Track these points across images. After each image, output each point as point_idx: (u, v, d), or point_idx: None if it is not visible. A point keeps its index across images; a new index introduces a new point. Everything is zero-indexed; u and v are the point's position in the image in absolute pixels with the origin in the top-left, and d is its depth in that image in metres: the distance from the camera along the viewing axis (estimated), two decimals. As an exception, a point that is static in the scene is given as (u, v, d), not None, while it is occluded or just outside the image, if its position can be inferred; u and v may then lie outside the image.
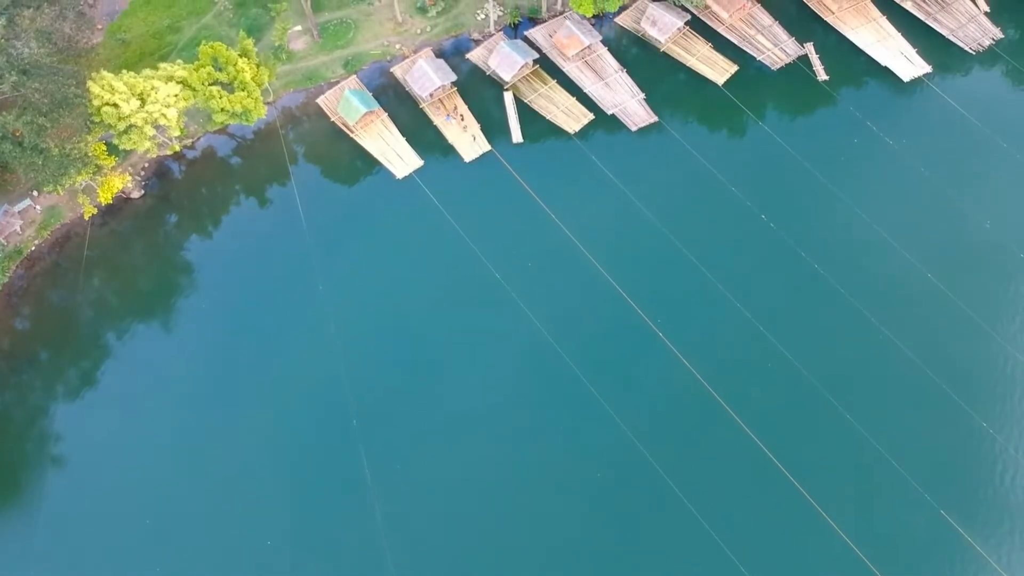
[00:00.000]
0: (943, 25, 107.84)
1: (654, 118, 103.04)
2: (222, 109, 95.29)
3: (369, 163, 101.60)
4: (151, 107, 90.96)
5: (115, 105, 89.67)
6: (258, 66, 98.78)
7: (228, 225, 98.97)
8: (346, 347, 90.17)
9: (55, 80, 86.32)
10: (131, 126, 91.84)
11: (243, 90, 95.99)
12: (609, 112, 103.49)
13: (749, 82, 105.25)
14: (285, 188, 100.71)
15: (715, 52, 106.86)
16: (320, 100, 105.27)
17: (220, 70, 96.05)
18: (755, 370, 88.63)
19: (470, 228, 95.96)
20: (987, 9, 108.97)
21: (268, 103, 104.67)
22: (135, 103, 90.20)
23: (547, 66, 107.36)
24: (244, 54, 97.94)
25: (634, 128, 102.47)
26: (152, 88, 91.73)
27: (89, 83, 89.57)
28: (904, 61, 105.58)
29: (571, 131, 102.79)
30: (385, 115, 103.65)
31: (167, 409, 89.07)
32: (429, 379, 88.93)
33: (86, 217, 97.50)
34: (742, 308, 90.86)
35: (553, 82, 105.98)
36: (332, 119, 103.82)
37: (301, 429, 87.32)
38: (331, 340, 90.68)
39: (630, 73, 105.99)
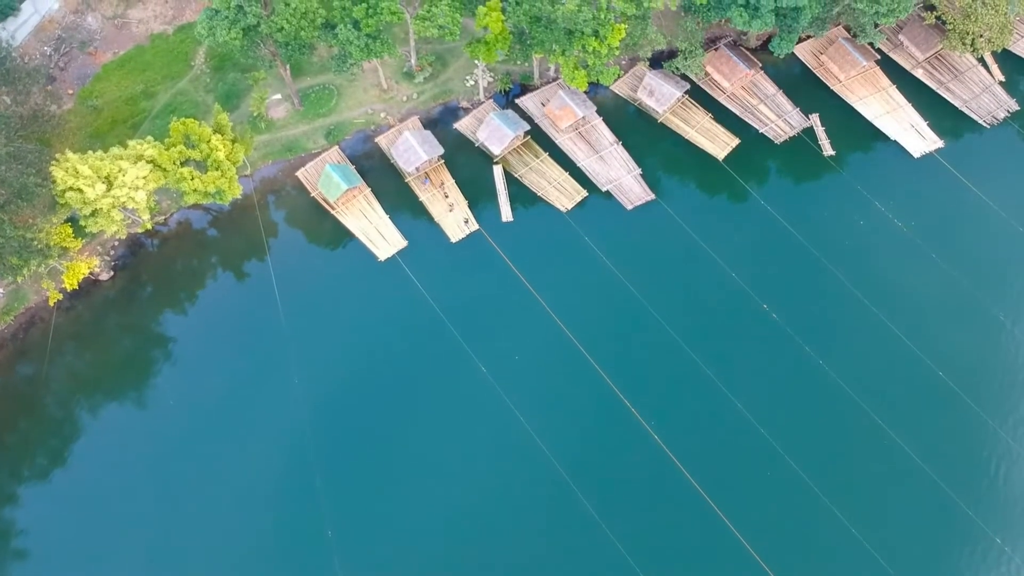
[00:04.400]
0: (956, 96, 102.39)
1: (651, 196, 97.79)
2: (194, 190, 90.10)
3: (350, 243, 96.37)
4: (118, 191, 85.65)
5: (80, 190, 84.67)
6: (233, 142, 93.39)
7: (200, 311, 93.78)
8: (321, 451, 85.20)
9: (14, 168, 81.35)
10: (97, 210, 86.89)
11: (216, 169, 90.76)
12: (604, 189, 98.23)
13: (751, 156, 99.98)
14: (262, 269, 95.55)
15: (715, 124, 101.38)
16: (300, 173, 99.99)
17: (192, 147, 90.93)
18: (753, 475, 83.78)
19: (456, 317, 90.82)
20: (1002, 78, 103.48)
21: (245, 175, 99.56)
22: (101, 187, 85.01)
23: (539, 135, 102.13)
24: (218, 130, 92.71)
25: (630, 207, 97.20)
26: (119, 170, 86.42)
27: (52, 167, 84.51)
28: (914, 135, 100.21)
29: (563, 209, 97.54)
30: (368, 191, 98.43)
31: (133, 505, 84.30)
32: (410, 486, 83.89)
33: (51, 304, 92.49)
34: (742, 408, 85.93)
35: (545, 155, 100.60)
36: (312, 194, 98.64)
37: (272, 540, 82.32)
38: (306, 442, 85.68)
39: (625, 145, 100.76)
